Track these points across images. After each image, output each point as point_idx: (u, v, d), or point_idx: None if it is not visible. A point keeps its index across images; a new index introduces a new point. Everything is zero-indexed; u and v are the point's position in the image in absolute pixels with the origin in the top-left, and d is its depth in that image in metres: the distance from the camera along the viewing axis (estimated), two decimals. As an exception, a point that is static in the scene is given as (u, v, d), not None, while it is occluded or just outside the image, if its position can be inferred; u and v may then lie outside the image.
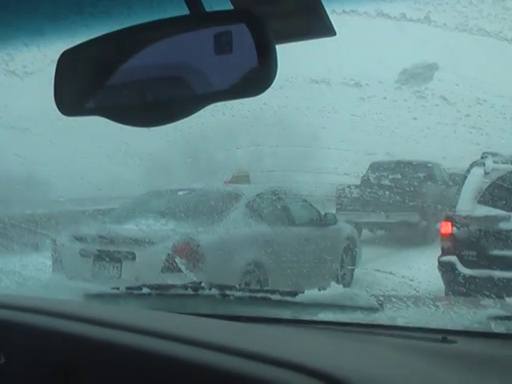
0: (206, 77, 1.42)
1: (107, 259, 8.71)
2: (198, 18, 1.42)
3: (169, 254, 8.35)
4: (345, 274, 10.55)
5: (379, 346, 2.03)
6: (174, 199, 9.82)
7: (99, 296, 2.90)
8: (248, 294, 2.69)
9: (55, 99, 1.64)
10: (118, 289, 2.91)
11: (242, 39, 1.35)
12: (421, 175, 15.66)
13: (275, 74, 1.34)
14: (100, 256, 8.76)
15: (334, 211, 13.20)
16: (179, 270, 8.26)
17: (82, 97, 1.66)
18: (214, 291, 2.67)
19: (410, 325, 2.36)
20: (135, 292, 2.82)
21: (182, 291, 2.80)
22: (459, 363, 1.81)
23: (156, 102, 1.50)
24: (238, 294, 2.69)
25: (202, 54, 1.42)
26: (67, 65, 1.65)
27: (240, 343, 1.66)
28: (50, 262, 9.19)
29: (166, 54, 1.50)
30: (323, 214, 10.92)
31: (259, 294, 2.67)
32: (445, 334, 2.07)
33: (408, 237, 13.78)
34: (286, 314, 2.56)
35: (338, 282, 9.96)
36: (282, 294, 2.64)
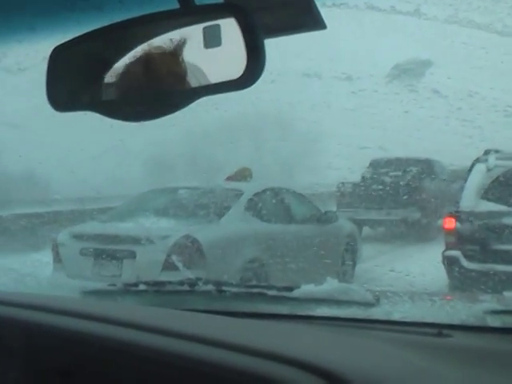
0: (195, 70, 1.42)
1: (107, 258, 8.71)
2: (188, 11, 1.42)
3: (169, 253, 8.35)
4: (346, 271, 10.55)
5: (376, 340, 2.03)
6: (174, 197, 9.83)
7: (96, 293, 2.91)
8: (244, 289, 2.69)
9: (47, 95, 1.64)
10: (115, 285, 2.92)
11: (230, 32, 1.35)
12: (421, 172, 15.65)
13: (263, 68, 1.34)
14: (100, 255, 8.76)
15: (334, 208, 13.22)
16: (179, 269, 8.26)
17: (73, 92, 1.66)
18: (211, 287, 2.67)
19: (407, 319, 2.36)
20: (132, 289, 2.82)
21: (178, 287, 2.80)
22: (455, 357, 1.81)
23: (146, 96, 1.50)
24: (235, 289, 2.69)
25: (191, 48, 1.42)
26: (59, 60, 1.65)
27: (239, 338, 1.65)
28: (50, 261, 9.20)
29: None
30: (323, 211, 10.93)
31: (256, 290, 2.66)
32: (440, 329, 2.07)
33: (408, 234, 13.79)
34: (283, 309, 2.56)
35: (338, 279, 9.98)
36: (278, 289, 2.64)
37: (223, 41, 1.37)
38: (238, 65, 1.33)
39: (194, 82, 1.42)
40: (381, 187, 14.44)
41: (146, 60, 1.49)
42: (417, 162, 16.06)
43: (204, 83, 1.41)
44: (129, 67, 1.54)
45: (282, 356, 1.54)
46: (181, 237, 8.52)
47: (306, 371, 1.46)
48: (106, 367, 1.75)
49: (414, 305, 2.65)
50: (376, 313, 2.47)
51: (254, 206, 9.67)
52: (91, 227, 9.60)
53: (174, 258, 8.42)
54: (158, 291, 2.80)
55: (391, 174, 15.18)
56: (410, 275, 7.94)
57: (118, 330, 1.78)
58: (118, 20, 1.58)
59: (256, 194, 9.86)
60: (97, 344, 1.79)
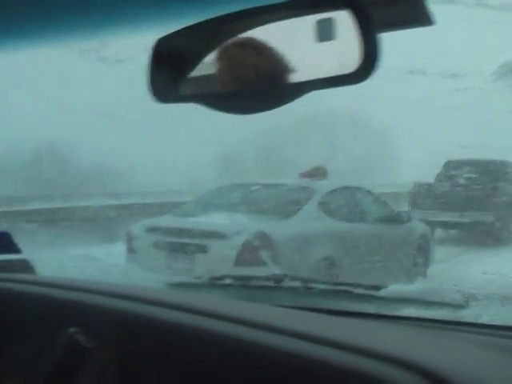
0: (305, 64, 1.41)
1: (180, 251, 8.78)
2: (301, 3, 1.41)
3: (241, 249, 8.39)
4: (417, 272, 10.45)
5: (464, 343, 2.00)
6: (248, 193, 9.86)
7: (182, 285, 2.92)
8: (331, 286, 2.67)
9: (149, 86, 1.65)
10: (200, 278, 2.93)
11: (344, 26, 1.33)
12: (496, 174, 15.40)
13: (377, 63, 1.32)
14: (173, 248, 8.85)
15: (407, 209, 13.10)
16: (251, 264, 8.29)
17: (176, 84, 1.66)
18: (297, 283, 2.66)
19: (496, 323, 2.31)
20: (217, 282, 2.83)
21: (264, 282, 2.80)
22: None
23: (252, 89, 1.49)
24: (321, 286, 2.67)
25: (302, 41, 1.41)
26: (162, 52, 1.65)
27: (336, 335, 1.64)
28: (124, 253, 9.33)
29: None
30: (397, 211, 10.85)
31: (342, 287, 2.65)
32: None
33: (482, 237, 13.57)
34: (369, 308, 2.54)
35: (410, 280, 9.91)
36: (365, 287, 2.61)
37: (336, 34, 1.35)
38: (352, 59, 1.32)
39: (303, 75, 1.41)
40: (454, 189, 14.26)
41: (254, 52, 1.48)
42: (492, 163, 15.80)
43: (314, 77, 1.39)
44: (235, 60, 1.54)
45: (384, 354, 1.52)
46: (254, 233, 8.54)
47: (410, 371, 1.43)
48: (197, 358, 1.75)
49: (504, 308, 2.61)
50: (465, 315, 2.44)
51: (327, 204, 9.64)
52: (164, 221, 9.69)
53: (246, 253, 8.47)
54: (243, 285, 2.80)
55: (465, 175, 14.97)
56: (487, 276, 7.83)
57: (209, 322, 1.78)
58: (222, 12, 1.58)
59: (330, 192, 9.83)
60: (185, 334, 1.80)
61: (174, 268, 8.68)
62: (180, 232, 8.95)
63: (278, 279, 2.75)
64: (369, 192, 10.92)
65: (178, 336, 1.79)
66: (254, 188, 10.03)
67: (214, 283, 2.86)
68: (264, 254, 8.41)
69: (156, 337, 1.82)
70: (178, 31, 1.64)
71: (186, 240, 8.77)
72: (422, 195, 14.21)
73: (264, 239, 8.53)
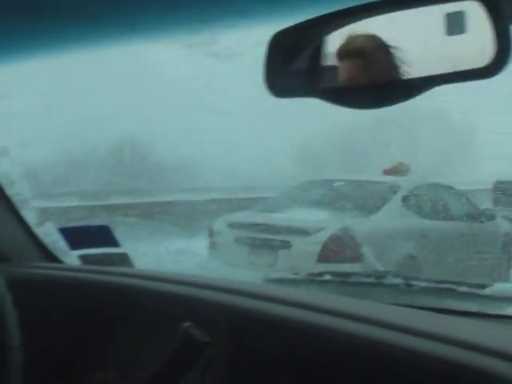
0: (431, 58, 1.39)
1: (263, 247, 8.78)
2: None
3: (325, 245, 8.35)
4: (501, 271, 10.26)
5: None
6: (330, 189, 9.81)
7: (280, 281, 2.92)
8: (433, 284, 2.64)
9: (266, 81, 1.64)
10: (298, 274, 2.92)
11: (475, 19, 1.31)
12: None
13: (510, 58, 1.29)
14: (255, 244, 8.85)
15: (491, 206, 12.86)
16: (334, 261, 8.25)
17: (293, 79, 1.66)
18: (399, 280, 2.63)
19: None
20: (316, 278, 2.82)
21: (364, 279, 2.78)
22: None
23: (378, 83, 1.48)
24: (423, 284, 2.64)
25: (430, 35, 1.39)
26: (279, 46, 1.64)
27: (455, 334, 1.61)
28: (206, 248, 9.38)
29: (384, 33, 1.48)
30: (481, 208, 10.66)
31: (445, 285, 2.61)
32: None
33: None
34: (473, 306, 2.50)
35: (494, 279, 9.73)
36: (469, 285, 2.57)
37: (467, 28, 1.33)
38: (484, 53, 1.29)
39: (429, 69, 1.39)
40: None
41: (378, 46, 1.47)
42: None
43: (441, 71, 1.37)
44: (357, 55, 1.52)
45: (501, 352, 1.49)
46: (337, 229, 8.50)
47: None
48: (309, 353, 1.75)
49: None
50: None
51: (410, 201, 9.54)
52: (247, 216, 9.71)
53: (329, 250, 8.42)
54: (343, 282, 2.78)
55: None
56: None
57: (322, 318, 1.78)
58: (338, 6, 1.56)
59: (413, 189, 9.72)
60: (297, 329, 1.79)
61: (257, 264, 8.69)
62: (263, 228, 8.95)
63: (378, 276, 2.73)
64: (452, 189, 10.76)
65: (291, 332, 1.79)
66: (337, 184, 9.98)
67: (313, 279, 2.85)
68: (347, 251, 8.35)
69: (268, 332, 1.83)
70: (295, 25, 1.64)
71: (269, 236, 8.76)
72: (506, 192, 13.93)
73: (347, 236, 8.48)
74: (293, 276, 2.94)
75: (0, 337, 1.96)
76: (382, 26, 1.48)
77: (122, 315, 2.35)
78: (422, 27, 1.39)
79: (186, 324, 1.79)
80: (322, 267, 7.62)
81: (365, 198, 9.41)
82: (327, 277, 2.78)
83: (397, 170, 10.26)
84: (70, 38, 2.07)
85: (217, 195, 12.10)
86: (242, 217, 9.75)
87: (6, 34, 2.01)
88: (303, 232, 8.62)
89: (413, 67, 1.40)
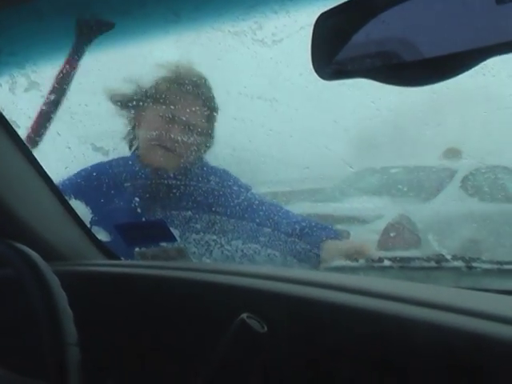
0: (484, 28, 1.34)
1: (322, 237, 8.72)
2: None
3: (384, 232, 8.27)
4: None
5: None
6: (387, 176, 9.72)
7: (339, 268, 2.89)
8: (496, 266, 2.58)
9: (313, 63, 1.62)
10: (357, 261, 2.89)
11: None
12: None
13: None
14: (309, 234, 8.79)
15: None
16: (394, 248, 8.18)
17: (342, 59, 1.62)
18: (459, 263, 2.58)
19: None
20: (376, 264, 2.78)
21: (424, 263, 2.73)
22: None
23: (427, 58, 1.43)
24: (486, 266, 2.58)
25: (478, 4, 1.34)
26: (325, 27, 1.61)
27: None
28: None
29: (430, 6, 1.43)
30: (542, 190, 10.48)
31: (508, 266, 2.55)
32: None
33: None
34: (538, 287, 2.43)
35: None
36: (534, 265, 2.51)
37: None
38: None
39: (481, 40, 1.34)
40: None
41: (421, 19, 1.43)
42: None
43: (495, 42, 1.32)
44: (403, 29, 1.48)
45: None
46: (395, 216, 8.43)
47: None
48: (376, 341, 1.71)
49: None
50: None
51: (468, 185, 9.41)
52: (303, 207, 9.67)
53: (389, 237, 8.34)
54: (403, 267, 2.74)
55: None
56: None
57: (385, 304, 1.74)
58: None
59: (471, 173, 9.59)
60: (359, 316, 1.76)
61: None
62: (320, 218, 8.90)
63: (438, 259, 2.68)
64: (510, 171, 10.59)
65: (351, 319, 1.76)
66: (393, 171, 9.88)
67: (372, 265, 2.81)
68: (406, 237, 8.27)
69: (329, 320, 1.79)
70: (340, 5, 1.60)
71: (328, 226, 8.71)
72: None
73: (406, 222, 8.40)
74: (352, 263, 2.90)
75: (57, 335, 1.96)
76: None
77: (179, 309, 2.34)
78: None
79: (244, 315, 1.77)
80: (381, 255, 7.56)
81: (422, 184, 9.31)
82: (387, 263, 2.74)
83: (452, 154, 10.13)
84: (117, 31, 2.07)
85: (271, 188, 12.08)
86: (298, 208, 9.71)
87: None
88: (361, 220, 8.55)
89: (463, 39, 1.36)
